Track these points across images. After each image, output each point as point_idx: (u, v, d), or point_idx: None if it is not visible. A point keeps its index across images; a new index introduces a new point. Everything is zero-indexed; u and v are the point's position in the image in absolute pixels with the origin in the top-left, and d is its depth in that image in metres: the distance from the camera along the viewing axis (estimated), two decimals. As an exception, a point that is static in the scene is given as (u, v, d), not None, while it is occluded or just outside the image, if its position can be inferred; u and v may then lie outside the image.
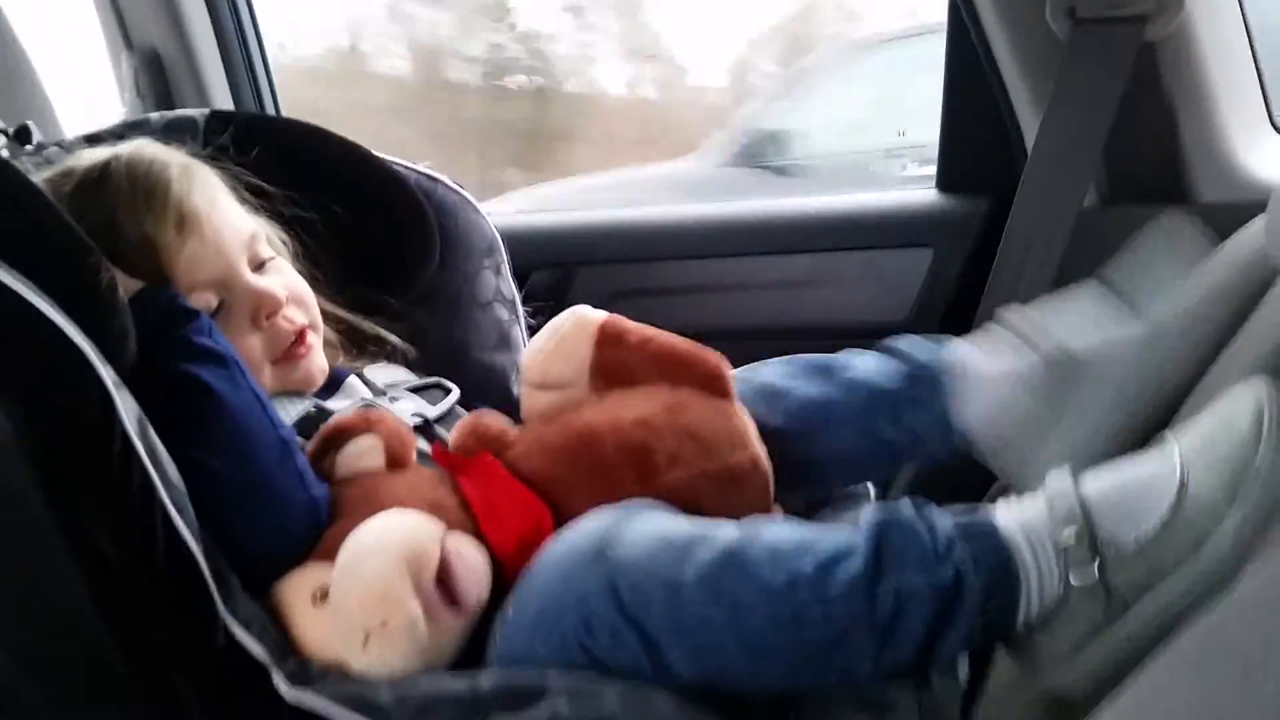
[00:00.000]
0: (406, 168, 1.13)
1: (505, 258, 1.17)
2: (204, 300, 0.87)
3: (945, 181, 1.39)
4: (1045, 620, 0.66)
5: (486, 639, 0.72)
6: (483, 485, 0.80)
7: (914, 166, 2.15)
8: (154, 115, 1.13)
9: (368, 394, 0.96)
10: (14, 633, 0.67)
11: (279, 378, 0.91)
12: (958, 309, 1.33)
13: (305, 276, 0.98)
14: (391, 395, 0.97)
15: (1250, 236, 1.04)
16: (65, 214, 0.74)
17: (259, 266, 0.92)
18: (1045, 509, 0.68)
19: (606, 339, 0.86)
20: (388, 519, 0.73)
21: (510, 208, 1.53)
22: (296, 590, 0.74)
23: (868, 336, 1.39)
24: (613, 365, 0.86)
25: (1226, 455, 0.65)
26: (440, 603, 0.71)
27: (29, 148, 1.00)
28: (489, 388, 1.09)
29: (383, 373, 1.02)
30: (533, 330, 1.05)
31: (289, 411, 0.88)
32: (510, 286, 1.17)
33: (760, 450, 0.84)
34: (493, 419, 0.87)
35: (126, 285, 0.79)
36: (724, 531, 0.70)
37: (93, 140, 1.00)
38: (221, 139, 0.99)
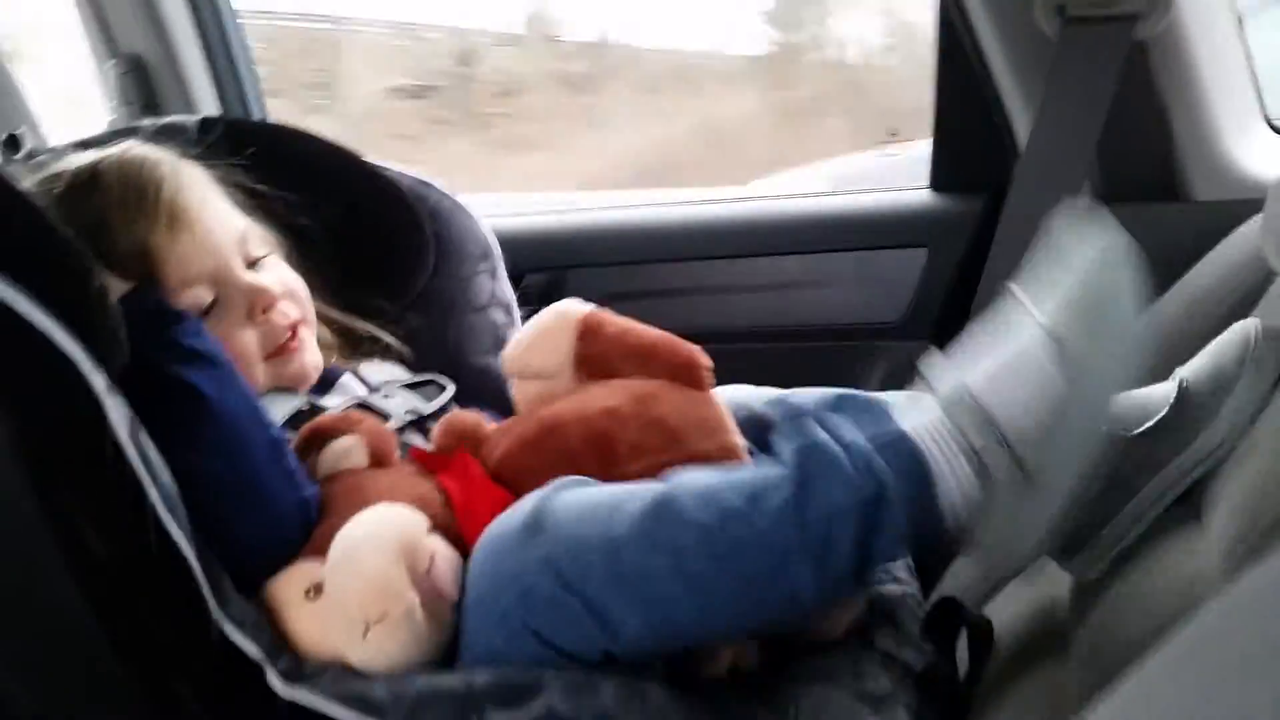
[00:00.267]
0: (399, 173, 1.12)
1: (500, 262, 1.17)
2: (197, 296, 0.87)
3: (939, 181, 1.39)
4: (977, 514, 0.68)
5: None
6: (461, 482, 0.81)
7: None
8: (145, 121, 1.13)
9: (362, 391, 0.96)
10: (8, 637, 0.67)
11: (273, 373, 0.91)
12: (953, 308, 1.33)
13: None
14: (385, 393, 0.97)
15: (1243, 237, 1.04)
16: (53, 219, 0.73)
17: (252, 264, 0.92)
18: (938, 402, 0.71)
19: (587, 330, 0.88)
20: (378, 512, 0.73)
21: (505, 210, 1.52)
22: (289, 587, 0.74)
23: (863, 337, 1.41)
24: (594, 357, 0.87)
25: (1081, 299, 0.69)
26: (435, 593, 0.71)
27: (18, 156, 1.00)
28: (485, 391, 1.08)
29: (378, 371, 1.02)
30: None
31: (282, 409, 0.88)
32: (506, 290, 1.17)
33: (737, 440, 0.84)
34: (469, 416, 0.88)
35: (116, 288, 0.78)
36: (648, 486, 0.71)
37: (83, 146, 0.99)
38: (211, 142, 0.99)
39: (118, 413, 0.68)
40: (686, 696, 0.69)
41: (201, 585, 0.68)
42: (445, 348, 1.10)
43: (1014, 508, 0.68)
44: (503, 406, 0.94)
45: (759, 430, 0.89)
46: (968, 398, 0.69)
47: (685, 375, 0.86)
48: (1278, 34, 1.36)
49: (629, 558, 0.67)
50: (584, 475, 0.76)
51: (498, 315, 1.14)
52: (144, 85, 1.55)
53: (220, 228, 0.90)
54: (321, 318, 0.99)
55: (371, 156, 1.11)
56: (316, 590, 0.72)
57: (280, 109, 2.30)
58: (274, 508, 0.77)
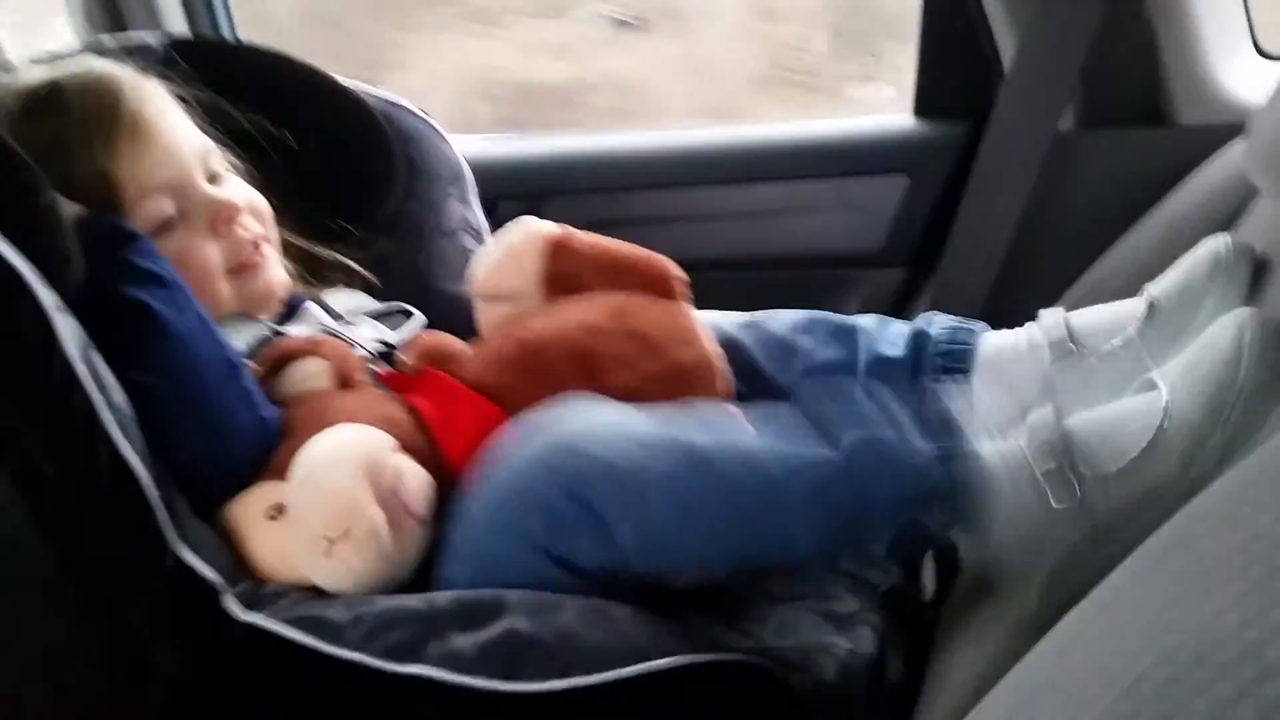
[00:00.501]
0: (368, 93, 1.10)
1: (472, 186, 1.15)
2: (158, 207, 0.85)
3: (922, 106, 1.36)
4: (1024, 543, 0.66)
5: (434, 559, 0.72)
6: (433, 397, 0.80)
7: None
8: (105, 38, 1.10)
9: (327, 320, 0.94)
10: None
11: (236, 291, 0.89)
12: (933, 237, 1.32)
13: None
14: (350, 321, 0.95)
15: (1226, 160, 1.03)
16: (4, 136, 0.71)
17: (214, 180, 0.90)
18: (1026, 435, 0.67)
19: (556, 249, 0.87)
20: (341, 432, 0.73)
21: (477, 136, 1.50)
22: (249, 509, 0.73)
23: (842, 265, 1.39)
24: (563, 275, 0.87)
25: (1208, 376, 0.65)
26: (400, 510, 0.70)
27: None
28: (455, 317, 1.07)
29: (343, 299, 1.00)
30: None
31: (244, 335, 0.86)
32: (478, 216, 1.15)
33: (711, 348, 0.85)
34: (439, 335, 0.87)
35: (73, 209, 0.77)
36: (678, 422, 0.71)
37: (41, 64, 0.96)
38: (174, 61, 0.96)
39: (68, 330, 0.67)
40: (650, 614, 0.68)
41: (156, 508, 0.67)
42: (414, 273, 1.09)
43: (1065, 561, 0.65)
44: (472, 334, 0.93)
45: (735, 355, 0.89)
46: (1058, 436, 0.66)
47: (659, 287, 0.86)
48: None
49: (654, 499, 0.67)
50: (568, 390, 0.76)
51: (468, 240, 1.12)
52: (111, 6, 1.50)
53: (182, 141, 0.88)
54: (285, 245, 0.97)
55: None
56: (278, 510, 0.72)
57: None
58: (229, 427, 0.76)
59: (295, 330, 0.91)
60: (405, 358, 0.87)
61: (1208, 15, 1.18)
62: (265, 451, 0.76)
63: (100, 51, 1.00)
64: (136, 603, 0.67)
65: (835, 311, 0.95)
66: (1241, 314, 0.66)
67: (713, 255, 1.38)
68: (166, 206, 0.85)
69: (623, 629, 0.67)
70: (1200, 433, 0.63)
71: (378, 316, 0.99)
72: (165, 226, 0.85)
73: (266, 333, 0.88)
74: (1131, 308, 0.81)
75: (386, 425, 0.75)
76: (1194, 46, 1.18)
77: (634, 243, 0.92)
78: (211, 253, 0.87)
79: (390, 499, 0.70)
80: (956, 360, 0.86)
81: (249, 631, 0.66)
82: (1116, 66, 1.20)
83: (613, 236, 0.92)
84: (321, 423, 0.74)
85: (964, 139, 1.31)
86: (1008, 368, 0.84)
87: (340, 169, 1.05)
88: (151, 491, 0.67)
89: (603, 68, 2.21)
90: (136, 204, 0.84)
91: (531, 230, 0.89)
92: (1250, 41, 1.23)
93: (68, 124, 0.83)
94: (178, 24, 1.52)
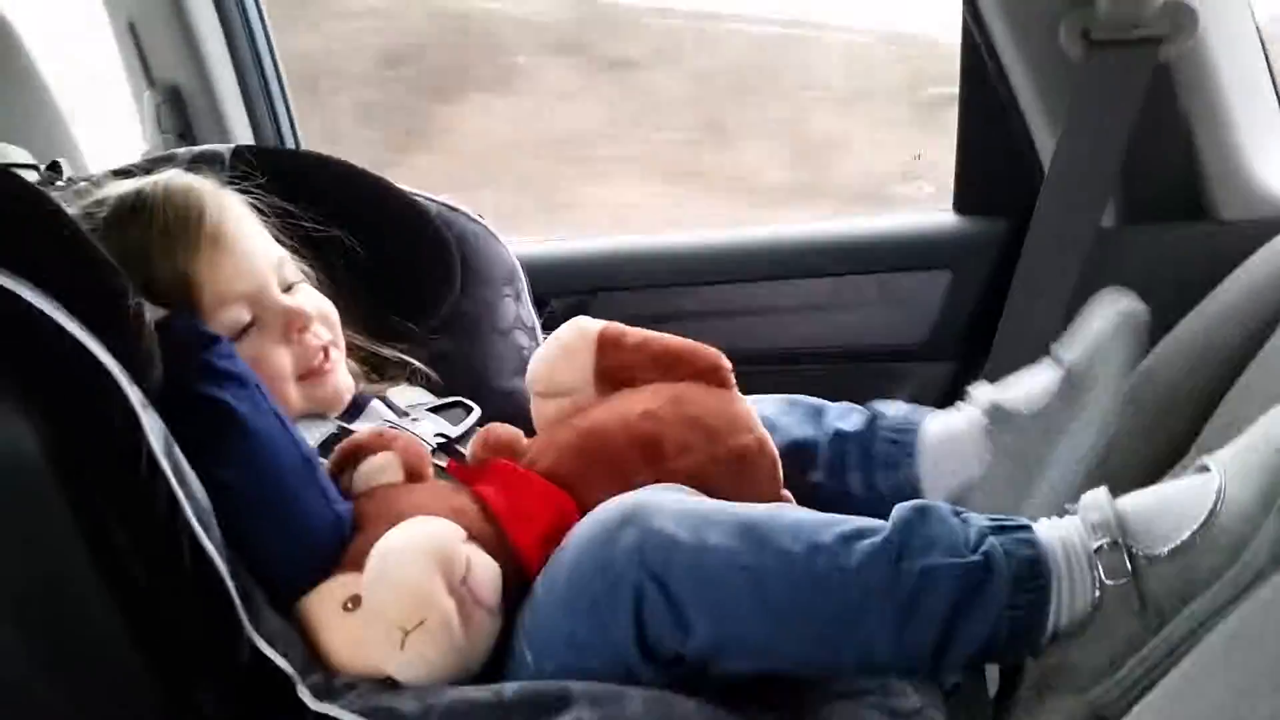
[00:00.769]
0: (428, 199, 1.14)
1: (525, 285, 1.18)
2: (236, 315, 0.89)
3: (962, 203, 1.39)
4: (1079, 631, 0.66)
5: (507, 649, 0.73)
6: (502, 488, 0.82)
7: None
8: (180, 150, 1.15)
9: (390, 416, 0.97)
10: (38, 638, 0.68)
11: (305, 394, 0.92)
12: (977, 331, 1.33)
13: None
14: (413, 416, 0.98)
15: (1267, 255, 1.04)
16: (95, 241, 0.76)
17: (287, 289, 0.94)
18: (1079, 518, 0.68)
19: (606, 343, 0.90)
20: (413, 524, 0.74)
21: (529, 237, 1.54)
22: (325, 601, 0.75)
23: (886, 360, 1.41)
24: (615, 369, 0.89)
25: (1261, 464, 0.65)
26: (471, 600, 0.72)
27: (60, 182, 1.02)
28: (510, 412, 1.09)
29: (404, 395, 1.03)
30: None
31: (313, 434, 0.89)
32: (530, 313, 1.18)
33: (766, 434, 0.87)
34: (504, 428, 0.90)
35: (155, 311, 0.80)
36: (745, 505, 0.72)
37: (121, 174, 1.02)
38: (247, 171, 1.01)
39: (153, 426, 0.70)
40: (715, 709, 0.69)
41: (234, 599, 0.69)
42: (471, 371, 1.11)
43: (1122, 649, 0.65)
44: (528, 429, 0.95)
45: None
46: (1111, 518, 0.67)
47: (710, 376, 0.88)
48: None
49: (712, 564, 0.68)
50: (634, 476, 0.78)
51: (522, 338, 1.15)
52: (180, 114, 1.58)
53: (259, 251, 0.93)
54: (350, 344, 1.01)
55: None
56: (354, 602, 0.73)
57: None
58: (306, 523, 0.78)
59: (361, 427, 0.93)
60: (471, 449, 0.89)
61: (1243, 111, 1.20)
62: (340, 545, 0.78)
63: (175, 161, 1.06)
64: (211, 691, 0.69)
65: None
66: None
67: (757, 350, 1.40)
68: (243, 315, 0.89)
69: None
70: (1253, 518, 0.63)
71: (437, 410, 1.01)
72: (241, 332, 0.89)
73: (334, 430, 0.92)
74: (1044, 380, 0.86)
75: (455, 516, 0.77)
76: (1231, 142, 1.20)
77: (680, 336, 0.95)
78: (283, 359, 0.91)
79: (461, 590, 0.71)
80: (904, 434, 0.92)
81: None
82: (1156, 162, 1.22)
83: (659, 331, 0.95)
84: (393, 515, 0.76)
85: (1006, 235, 1.33)
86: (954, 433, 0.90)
87: (402, 271, 1.09)
88: (230, 583, 0.69)
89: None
90: (215, 310, 0.87)
91: (583, 327, 0.92)
92: (1287, 137, 1.25)
93: (153, 232, 0.87)
94: (244, 133, 1.59)
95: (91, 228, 0.85)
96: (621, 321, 0.94)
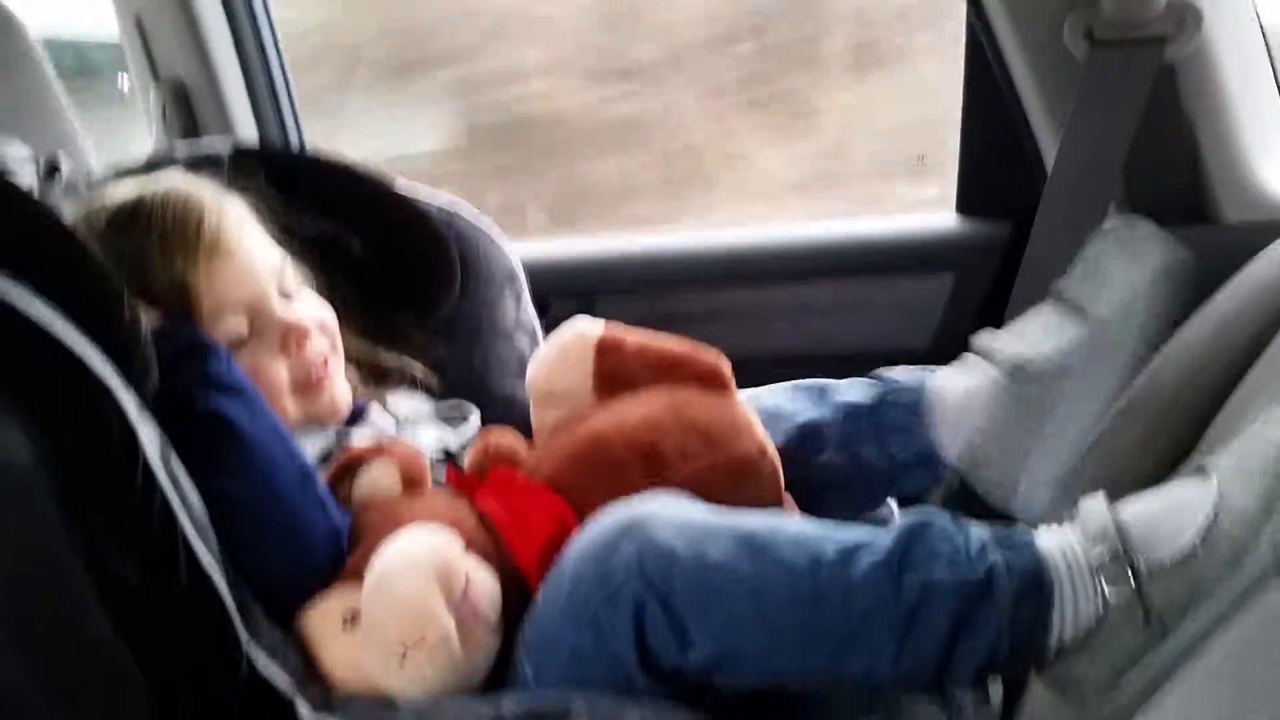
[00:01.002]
0: (427, 199, 1.14)
1: (525, 287, 1.18)
2: (234, 325, 0.88)
3: (965, 204, 1.38)
4: (1083, 643, 0.65)
5: (507, 662, 0.72)
6: (502, 497, 0.82)
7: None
8: (179, 148, 1.15)
9: (390, 425, 0.97)
10: (32, 651, 0.68)
11: (302, 406, 0.92)
12: (980, 332, 1.33)
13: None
14: (414, 425, 0.98)
15: (1270, 258, 1.04)
16: (91, 248, 0.75)
17: (286, 296, 0.93)
18: (1079, 527, 0.68)
19: (606, 348, 0.89)
20: (412, 536, 0.74)
21: (530, 239, 1.54)
22: (325, 615, 0.75)
23: (890, 362, 1.39)
24: (614, 373, 0.89)
25: (1260, 468, 0.65)
26: (470, 614, 0.71)
27: (59, 182, 1.02)
28: (510, 416, 1.09)
29: (404, 402, 1.03)
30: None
31: (312, 443, 0.89)
32: (531, 316, 1.18)
33: (766, 440, 0.86)
34: (503, 435, 0.89)
35: (151, 318, 0.80)
36: (745, 517, 0.71)
37: (121, 175, 1.01)
38: (246, 172, 1.01)
39: (148, 435, 0.69)
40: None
41: (231, 612, 0.69)
42: (471, 374, 1.11)
43: (1126, 660, 0.64)
44: (529, 431, 0.95)
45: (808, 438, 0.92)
46: (1111, 527, 0.66)
47: (709, 380, 0.88)
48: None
49: (712, 577, 0.67)
50: (633, 485, 0.77)
51: (522, 341, 1.15)
52: (185, 110, 1.58)
53: (258, 259, 0.92)
54: (349, 351, 1.00)
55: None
56: (354, 617, 0.73)
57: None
58: (304, 535, 0.77)
59: (359, 434, 0.93)
60: (471, 457, 0.89)
61: (1247, 113, 1.19)
62: (338, 556, 0.78)
63: (172, 160, 1.05)
64: (208, 705, 0.68)
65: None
66: None
67: (760, 353, 1.39)
68: (241, 325, 0.89)
69: None
70: (1253, 522, 0.63)
71: (437, 414, 1.01)
72: (238, 342, 0.88)
73: (333, 439, 0.91)
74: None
75: (455, 527, 0.76)
76: (1234, 145, 1.20)
77: (682, 338, 0.94)
78: (280, 371, 0.90)
79: (461, 605, 0.71)
80: (918, 398, 0.93)
81: None
82: (1158, 165, 1.22)
83: (662, 334, 0.94)
84: (392, 527, 0.75)
85: (1009, 236, 1.32)
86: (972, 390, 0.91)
87: (402, 274, 1.08)
88: (226, 596, 0.69)
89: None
90: (213, 319, 0.87)
91: (582, 330, 0.92)
92: (1289, 139, 1.25)
93: (151, 239, 0.87)
94: (248, 129, 1.60)
95: (89, 233, 0.85)
96: (622, 324, 0.94)
